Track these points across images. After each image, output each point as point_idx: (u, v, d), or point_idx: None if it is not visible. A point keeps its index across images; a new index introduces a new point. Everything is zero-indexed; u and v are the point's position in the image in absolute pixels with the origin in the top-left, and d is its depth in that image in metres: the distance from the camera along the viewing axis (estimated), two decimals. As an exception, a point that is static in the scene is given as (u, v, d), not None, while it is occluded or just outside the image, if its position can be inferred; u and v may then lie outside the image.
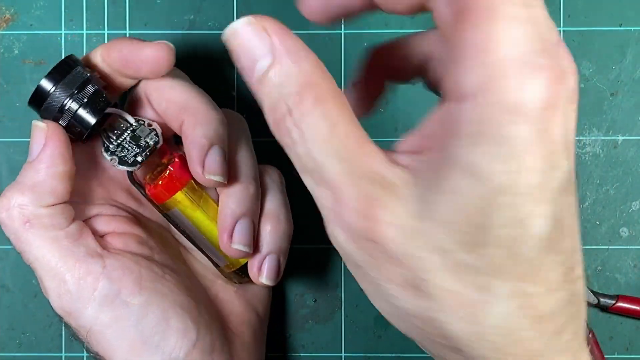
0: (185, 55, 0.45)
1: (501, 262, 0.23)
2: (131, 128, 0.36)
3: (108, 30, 0.46)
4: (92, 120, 0.35)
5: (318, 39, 0.45)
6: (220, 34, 0.47)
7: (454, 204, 0.22)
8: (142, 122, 0.37)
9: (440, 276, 0.23)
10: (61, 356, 0.46)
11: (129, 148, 0.36)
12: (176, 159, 0.37)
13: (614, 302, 0.44)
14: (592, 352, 0.28)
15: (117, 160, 0.36)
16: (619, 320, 0.46)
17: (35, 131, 0.35)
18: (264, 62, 0.25)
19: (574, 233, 0.24)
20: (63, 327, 0.45)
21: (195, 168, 0.35)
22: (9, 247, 0.46)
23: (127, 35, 0.46)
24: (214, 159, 0.35)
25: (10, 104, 0.46)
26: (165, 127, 0.37)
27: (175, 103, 0.37)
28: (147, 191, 0.37)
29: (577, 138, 0.45)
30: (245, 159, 0.38)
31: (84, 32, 0.46)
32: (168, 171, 0.37)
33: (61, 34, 0.46)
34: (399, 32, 0.45)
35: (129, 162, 0.36)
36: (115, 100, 0.37)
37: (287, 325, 0.46)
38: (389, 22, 0.45)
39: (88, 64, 0.37)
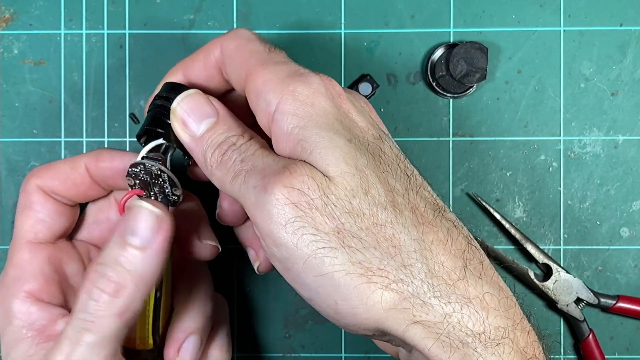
0: (185, 55, 0.45)
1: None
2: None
3: (107, 30, 0.46)
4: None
5: (318, 39, 0.45)
6: (220, 34, 0.47)
7: (334, 156, 0.30)
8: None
9: (358, 218, 0.30)
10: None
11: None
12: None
13: (614, 302, 0.44)
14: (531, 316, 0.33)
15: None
16: (619, 320, 0.46)
17: (148, 215, 0.34)
18: (209, 120, 0.34)
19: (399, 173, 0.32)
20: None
21: (169, 350, 0.37)
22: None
23: (127, 34, 0.46)
24: (190, 348, 0.38)
25: (9, 104, 0.46)
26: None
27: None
28: None
29: (577, 138, 0.45)
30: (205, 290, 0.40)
31: (84, 31, 0.46)
32: None
33: (60, 33, 0.46)
34: (399, 32, 0.45)
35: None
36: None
37: (287, 325, 0.46)
38: (389, 22, 0.45)
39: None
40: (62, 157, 0.46)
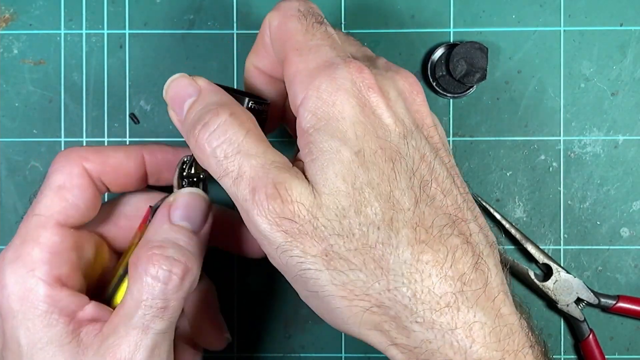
0: (185, 55, 0.45)
1: (387, 215, 0.29)
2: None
3: (107, 30, 0.46)
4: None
5: (318, 39, 0.45)
6: (220, 34, 0.47)
7: (334, 172, 0.29)
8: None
9: (347, 240, 0.29)
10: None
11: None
12: None
13: (614, 302, 0.44)
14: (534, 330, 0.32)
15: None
16: (619, 320, 0.46)
17: (201, 202, 0.35)
18: (191, 99, 0.33)
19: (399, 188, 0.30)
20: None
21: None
22: (9, 247, 0.46)
23: (127, 34, 0.45)
24: None
25: (9, 104, 0.46)
26: None
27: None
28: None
29: (577, 138, 0.45)
30: None
31: (84, 31, 0.46)
32: None
33: (60, 33, 0.46)
34: (399, 32, 0.45)
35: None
36: None
37: (287, 325, 0.46)
38: (389, 22, 0.45)
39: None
40: (62, 157, 0.46)
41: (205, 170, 0.35)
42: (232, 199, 0.31)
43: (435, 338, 0.29)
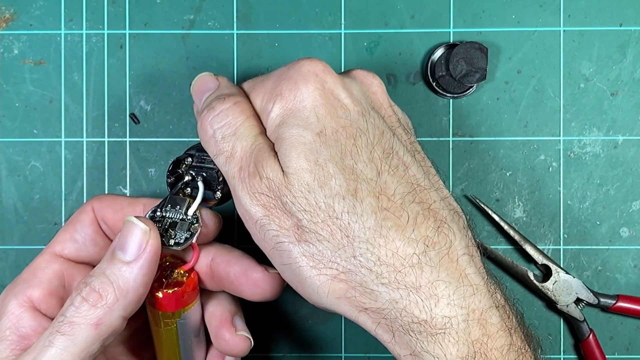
0: (185, 55, 0.45)
1: (348, 186, 0.32)
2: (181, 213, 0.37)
3: (108, 30, 0.46)
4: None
5: (318, 39, 0.45)
6: (220, 34, 0.48)
7: (296, 153, 0.32)
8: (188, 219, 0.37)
9: (313, 213, 0.31)
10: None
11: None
12: (192, 274, 0.37)
13: (614, 302, 0.44)
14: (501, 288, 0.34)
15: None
16: (619, 320, 0.46)
17: (136, 230, 0.34)
18: (209, 92, 0.36)
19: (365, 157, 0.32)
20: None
21: (227, 328, 0.38)
22: (9, 247, 0.46)
23: (127, 34, 0.46)
24: (242, 323, 0.38)
25: (9, 104, 0.46)
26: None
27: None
28: (164, 296, 0.36)
29: (577, 138, 0.45)
30: None
31: (84, 32, 0.46)
32: (187, 279, 0.36)
33: (61, 33, 0.46)
34: (399, 32, 0.45)
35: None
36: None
37: (287, 325, 0.46)
38: (389, 22, 0.45)
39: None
40: (63, 157, 0.46)
41: (190, 173, 0.38)
42: (225, 177, 0.35)
43: (401, 297, 0.31)
